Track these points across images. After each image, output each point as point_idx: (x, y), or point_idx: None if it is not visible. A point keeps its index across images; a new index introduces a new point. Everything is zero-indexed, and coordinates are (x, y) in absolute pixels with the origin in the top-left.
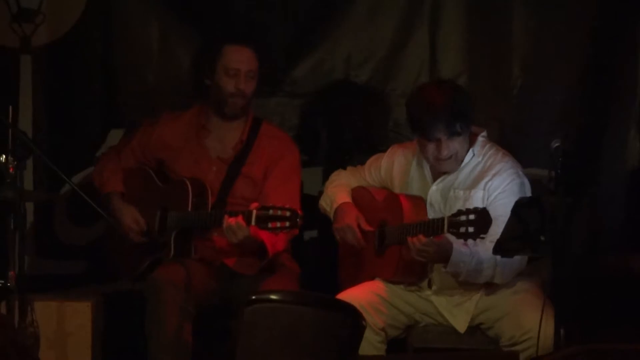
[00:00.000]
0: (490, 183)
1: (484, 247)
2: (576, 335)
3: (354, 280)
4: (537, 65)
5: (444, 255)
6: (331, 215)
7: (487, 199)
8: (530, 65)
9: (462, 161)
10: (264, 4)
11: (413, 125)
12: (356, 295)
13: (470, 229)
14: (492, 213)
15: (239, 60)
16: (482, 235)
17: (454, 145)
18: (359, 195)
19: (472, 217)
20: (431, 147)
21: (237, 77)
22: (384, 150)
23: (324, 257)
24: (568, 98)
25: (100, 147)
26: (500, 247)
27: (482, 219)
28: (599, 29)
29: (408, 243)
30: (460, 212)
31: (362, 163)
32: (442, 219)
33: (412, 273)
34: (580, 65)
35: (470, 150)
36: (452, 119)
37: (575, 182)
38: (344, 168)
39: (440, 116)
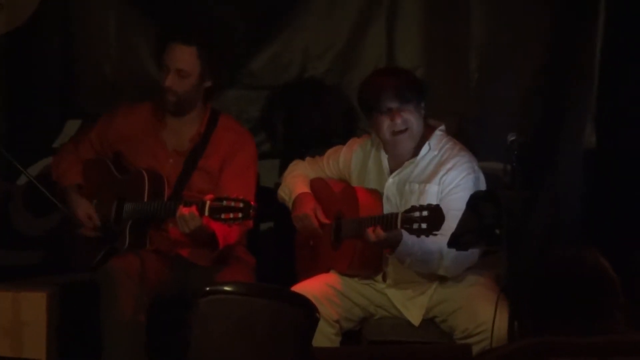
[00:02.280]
0: (445, 177)
1: (433, 238)
2: (530, 328)
3: (310, 272)
4: (494, 59)
5: (394, 244)
6: (290, 205)
7: (442, 193)
8: (487, 59)
9: (417, 139)
10: None
11: (364, 105)
12: (311, 287)
13: (423, 225)
14: (446, 207)
15: (172, 58)
16: (434, 232)
17: (407, 116)
18: (317, 186)
19: (425, 213)
20: (385, 120)
21: (167, 74)
22: (341, 143)
23: (280, 249)
24: (525, 92)
25: (57, 138)
26: (456, 240)
27: (435, 215)
28: (556, 24)
29: (366, 233)
30: (413, 208)
31: (320, 155)
32: (396, 214)
33: (367, 266)
34: (537, 60)
35: (427, 144)
36: (401, 87)
37: (532, 176)
38: (302, 160)
39: (388, 86)
